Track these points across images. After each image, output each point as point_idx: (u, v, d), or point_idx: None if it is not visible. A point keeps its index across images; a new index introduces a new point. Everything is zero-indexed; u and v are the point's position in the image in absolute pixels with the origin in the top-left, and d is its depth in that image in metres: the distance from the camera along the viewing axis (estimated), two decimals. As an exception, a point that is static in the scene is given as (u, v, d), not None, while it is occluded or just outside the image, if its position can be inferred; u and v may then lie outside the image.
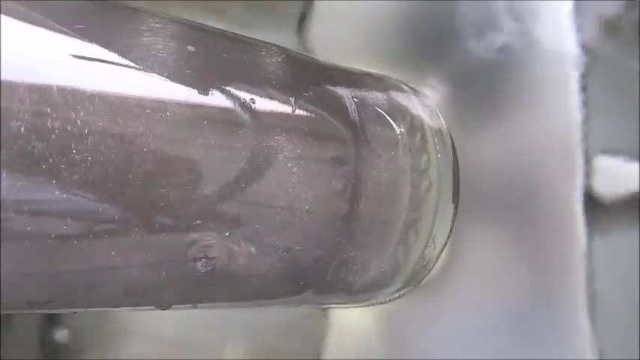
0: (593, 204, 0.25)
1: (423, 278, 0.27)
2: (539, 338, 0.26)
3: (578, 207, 0.25)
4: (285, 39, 0.30)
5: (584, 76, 0.25)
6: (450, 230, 0.27)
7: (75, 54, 0.16)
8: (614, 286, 0.25)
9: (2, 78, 0.14)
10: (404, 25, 0.28)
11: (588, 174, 0.25)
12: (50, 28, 0.16)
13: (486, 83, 0.26)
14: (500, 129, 0.26)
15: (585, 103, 0.25)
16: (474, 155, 0.26)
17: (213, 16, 0.31)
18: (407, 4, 0.27)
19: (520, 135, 0.26)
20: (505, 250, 0.26)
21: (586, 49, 0.25)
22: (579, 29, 0.25)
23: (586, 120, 0.25)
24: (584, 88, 0.25)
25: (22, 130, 0.15)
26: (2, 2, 0.15)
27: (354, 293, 0.25)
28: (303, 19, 0.30)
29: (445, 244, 0.27)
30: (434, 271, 0.27)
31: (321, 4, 0.29)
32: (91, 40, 0.16)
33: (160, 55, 0.18)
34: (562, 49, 0.25)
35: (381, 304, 0.28)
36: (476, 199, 0.26)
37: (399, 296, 0.27)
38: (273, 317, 0.31)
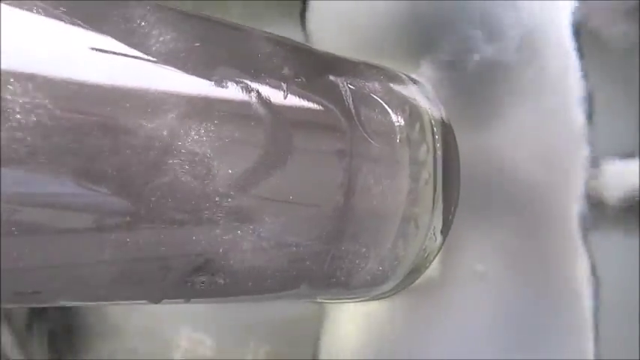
0: (593, 204, 0.25)
1: (424, 271, 0.26)
2: (539, 339, 0.26)
3: (579, 207, 0.25)
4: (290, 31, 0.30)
5: (586, 75, 0.25)
6: (451, 220, 0.26)
7: (81, 46, 0.16)
8: (614, 286, 0.25)
9: (3, 69, 0.14)
10: (401, 21, 0.28)
11: (589, 174, 0.25)
12: (56, 19, 0.16)
13: (486, 82, 0.26)
14: (499, 129, 0.26)
15: (587, 103, 0.25)
16: (473, 154, 0.26)
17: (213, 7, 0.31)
18: (405, 2, 0.27)
19: (520, 135, 0.26)
20: (504, 251, 0.26)
21: (587, 45, 0.25)
22: (581, 26, 0.25)
23: (587, 120, 0.25)
24: (586, 88, 0.25)
25: (23, 122, 0.14)
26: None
27: (354, 286, 0.25)
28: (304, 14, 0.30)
29: (445, 235, 0.26)
30: (432, 273, 0.27)
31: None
32: (98, 32, 0.16)
33: (164, 44, 0.18)
34: (563, 46, 0.25)
35: (381, 298, 0.27)
36: (474, 199, 0.26)
37: (401, 289, 0.27)
38: (269, 316, 0.31)
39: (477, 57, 0.26)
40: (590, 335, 0.25)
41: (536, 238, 0.26)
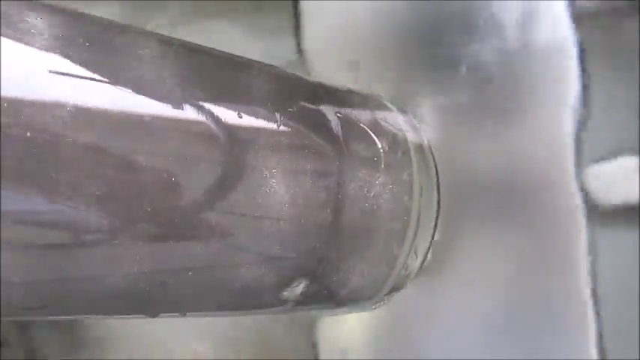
0: (591, 206, 0.25)
1: (404, 287, 0.28)
2: (538, 339, 0.26)
3: (577, 210, 0.25)
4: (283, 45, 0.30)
5: (585, 75, 0.25)
6: (431, 241, 0.27)
7: (64, 72, 0.17)
8: (614, 287, 0.25)
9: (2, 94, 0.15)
10: (397, 32, 0.28)
11: (586, 177, 0.25)
12: (43, 47, 0.16)
13: (483, 88, 0.27)
14: (497, 133, 0.27)
15: (582, 106, 0.25)
16: (473, 159, 0.27)
17: (209, 19, 0.32)
18: (400, 12, 0.28)
19: (518, 139, 0.26)
20: (504, 253, 0.27)
21: (583, 49, 0.25)
22: (576, 31, 0.26)
23: (583, 123, 0.25)
24: (580, 91, 0.25)
25: (17, 143, 0.15)
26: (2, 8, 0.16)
27: (338, 303, 0.26)
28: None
29: (426, 254, 0.27)
30: (433, 272, 0.27)
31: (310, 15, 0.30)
32: (81, 59, 0.17)
33: (145, 72, 0.18)
34: (559, 49, 0.26)
35: (364, 311, 0.28)
36: (474, 202, 0.27)
37: (383, 304, 0.28)
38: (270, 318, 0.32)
39: (474, 60, 0.27)
40: (591, 335, 0.25)
41: (536, 238, 0.26)
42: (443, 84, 0.27)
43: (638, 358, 0.25)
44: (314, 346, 0.30)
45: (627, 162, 0.25)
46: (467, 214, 0.27)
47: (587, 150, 0.25)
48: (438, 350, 0.28)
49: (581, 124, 0.25)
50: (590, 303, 0.25)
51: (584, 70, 0.25)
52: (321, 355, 0.30)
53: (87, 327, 0.30)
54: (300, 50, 0.30)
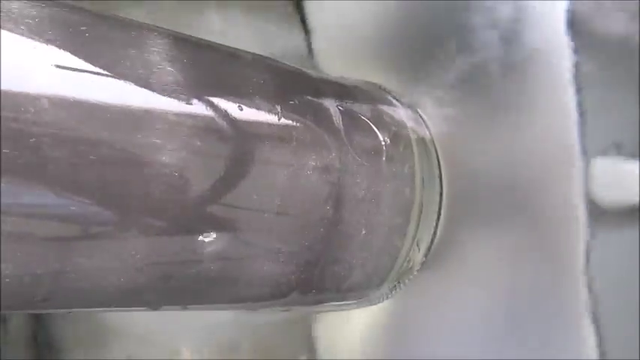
0: (592, 206, 0.25)
1: (408, 280, 0.28)
2: (538, 339, 0.26)
3: (578, 209, 0.25)
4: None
5: (581, 77, 0.25)
6: (434, 234, 0.27)
7: (65, 65, 0.17)
8: (613, 287, 0.25)
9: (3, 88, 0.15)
10: (402, 33, 0.29)
11: (587, 177, 0.25)
12: (44, 40, 0.17)
13: (485, 87, 0.27)
14: (499, 132, 0.27)
15: (582, 104, 0.25)
16: (476, 154, 0.27)
17: (215, 14, 0.32)
18: (404, 12, 0.28)
19: (519, 138, 0.26)
20: (505, 251, 0.27)
21: (582, 48, 0.25)
22: (575, 31, 0.26)
23: (583, 122, 0.25)
24: (580, 89, 0.25)
25: (21, 137, 0.15)
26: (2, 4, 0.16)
27: (341, 296, 0.26)
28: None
29: (429, 247, 0.27)
30: (432, 270, 0.28)
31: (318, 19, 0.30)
32: (81, 53, 0.17)
33: (147, 67, 0.19)
34: (559, 49, 0.26)
35: (369, 305, 0.28)
36: (477, 197, 0.27)
37: (387, 297, 0.28)
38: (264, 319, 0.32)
39: (473, 60, 0.27)
40: (589, 335, 0.25)
41: (537, 233, 0.26)
42: (445, 79, 0.27)
43: (638, 358, 0.25)
44: (312, 345, 0.30)
45: (627, 162, 0.25)
46: (469, 209, 0.27)
47: (587, 149, 0.25)
48: (440, 346, 0.28)
49: (581, 124, 0.25)
50: (585, 302, 0.25)
51: (581, 69, 0.25)
52: (319, 355, 0.30)
53: (85, 325, 0.30)
54: (309, 48, 0.30)
